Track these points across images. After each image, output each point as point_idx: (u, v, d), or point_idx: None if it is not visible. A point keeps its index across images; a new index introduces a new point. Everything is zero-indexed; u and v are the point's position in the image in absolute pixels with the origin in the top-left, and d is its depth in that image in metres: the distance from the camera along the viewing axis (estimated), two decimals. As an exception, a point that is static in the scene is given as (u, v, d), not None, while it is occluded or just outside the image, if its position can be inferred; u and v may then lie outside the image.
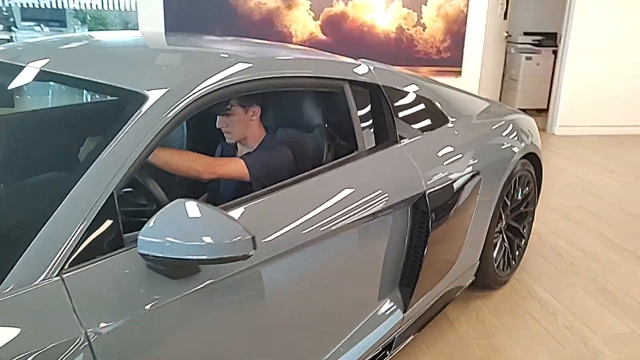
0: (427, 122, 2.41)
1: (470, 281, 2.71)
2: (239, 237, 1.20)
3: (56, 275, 1.17)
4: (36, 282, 1.14)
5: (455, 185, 2.27)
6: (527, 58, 7.89)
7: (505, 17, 6.95)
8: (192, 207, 1.24)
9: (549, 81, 7.95)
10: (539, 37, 8.15)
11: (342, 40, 5.98)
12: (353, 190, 1.85)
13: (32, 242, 1.17)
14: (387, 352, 2.10)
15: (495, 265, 2.83)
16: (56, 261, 1.17)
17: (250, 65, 1.73)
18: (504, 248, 2.91)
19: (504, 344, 2.51)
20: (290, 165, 1.97)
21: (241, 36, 2.83)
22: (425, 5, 6.10)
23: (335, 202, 1.76)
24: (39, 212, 1.23)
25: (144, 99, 1.44)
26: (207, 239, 1.19)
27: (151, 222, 1.22)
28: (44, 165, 1.61)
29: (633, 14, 6.56)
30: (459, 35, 6.27)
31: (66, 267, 1.18)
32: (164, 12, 5.57)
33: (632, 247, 3.59)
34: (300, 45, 5.51)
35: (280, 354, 1.71)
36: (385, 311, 2.11)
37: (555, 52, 8.07)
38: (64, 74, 1.66)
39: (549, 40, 8.21)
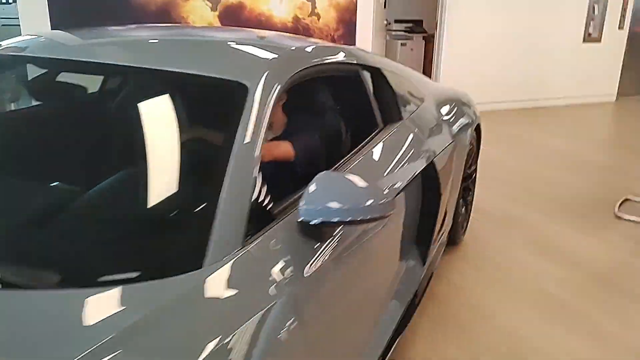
0: (413, 101, 2.61)
1: (445, 243, 2.99)
2: (384, 200, 1.39)
3: (242, 248, 1.23)
4: (230, 255, 1.20)
5: (447, 153, 2.57)
6: (402, 44, 8.49)
7: (385, 6, 7.40)
8: (340, 178, 1.44)
9: (421, 66, 8.66)
10: (410, 24, 8.81)
11: (241, 30, 5.95)
12: (398, 158, 2.08)
13: (215, 221, 1.23)
14: (416, 301, 2.36)
15: (460, 226, 3.20)
16: (240, 236, 1.24)
17: (313, 53, 1.94)
18: (462, 210, 3.24)
19: (478, 301, 2.80)
20: (320, 146, 2.02)
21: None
22: (318, -5, 6.30)
23: (390, 171, 1.95)
24: (203, 196, 1.34)
25: (246, 88, 1.51)
26: (362, 203, 1.34)
27: (308, 193, 1.34)
28: (164, 152, 1.54)
29: None
30: (351, 24, 6.57)
31: (246, 240, 1.25)
32: (49, 5, 5.08)
33: (545, 208, 4.15)
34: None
35: (377, 298, 1.98)
36: (411, 266, 2.38)
37: (425, 38, 8.80)
38: (158, 68, 1.66)
39: (418, 27, 8.92)
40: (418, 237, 2.44)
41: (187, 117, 1.60)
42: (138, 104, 1.67)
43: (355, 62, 2.18)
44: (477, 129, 3.31)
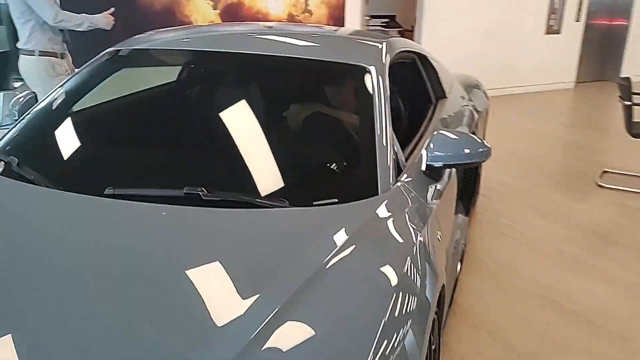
0: (448, 82, 3.15)
1: None
2: (487, 148, 1.91)
3: (395, 181, 1.73)
4: (392, 185, 1.69)
5: (475, 123, 3.13)
6: (380, 38, 8.97)
7: (367, 3, 7.84)
8: (450, 134, 1.94)
9: (398, 58, 9.15)
10: (386, 20, 9.30)
11: (241, 27, 6.27)
12: (456, 125, 2.66)
13: (377, 164, 1.71)
14: (465, 245, 2.93)
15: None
16: (392, 177, 1.73)
17: (395, 42, 2.38)
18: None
19: (503, 257, 3.30)
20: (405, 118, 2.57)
21: (145, 27, 3.05)
22: (309, -8, 6.68)
23: None
24: (369, 154, 1.76)
25: (369, 70, 1.97)
26: (470, 149, 1.86)
27: (431, 145, 1.87)
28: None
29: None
30: (340, 20, 6.98)
31: (396, 179, 1.75)
32: (61, 5, 5.24)
33: (537, 180, 4.71)
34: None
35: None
36: (460, 218, 2.89)
37: (400, 33, 9.30)
38: (293, 56, 2.10)
39: (393, 22, 9.41)
40: (462, 194, 2.97)
41: (338, 93, 2.06)
42: (301, 85, 2.16)
43: (415, 50, 2.68)
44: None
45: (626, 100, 4.27)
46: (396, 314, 1.22)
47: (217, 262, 1.33)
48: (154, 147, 1.95)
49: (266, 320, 1.14)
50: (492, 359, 2.33)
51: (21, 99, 2.24)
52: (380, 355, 1.10)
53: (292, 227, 1.49)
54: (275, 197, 1.60)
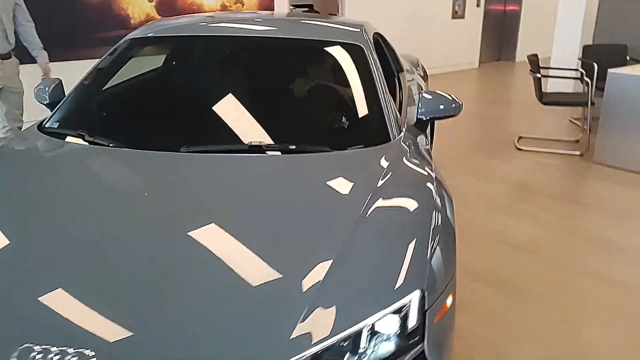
0: (405, 64, 3.69)
1: None
2: (460, 102, 2.40)
3: (400, 133, 2.17)
4: (400, 134, 2.15)
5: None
6: (302, 27, 9.37)
7: (291, -7, 8.20)
8: (433, 93, 2.41)
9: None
10: (305, 9, 9.70)
11: (177, 19, 6.41)
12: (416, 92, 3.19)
13: (387, 119, 2.16)
14: None
15: None
16: (399, 129, 2.18)
17: (369, 25, 2.87)
18: None
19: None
20: None
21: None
22: (239, -16, 6.93)
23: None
24: (379, 112, 2.19)
25: (362, 47, 2.44)
26: (448, 105, 2.36)
27: (420, 103, 2.36)
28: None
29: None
30: (270, 9, 7.29)
31: (400, 131, 2.20)
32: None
33: (464, 148, 5.37)
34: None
35: None
36: None
37: (320, 21, 9.74)
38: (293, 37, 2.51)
39: (312, 10, 9.83)
40: None
41: (340, 67, 2.47)
42: (314, 60, 2.58)
43: (377, 31, 3.17)
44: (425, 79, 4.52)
45: (536, 73, 5.01)
46: (438, 224, 1.67)
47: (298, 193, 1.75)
48: (215, 111, 2.28)
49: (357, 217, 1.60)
50: (469, 289, 2.85)
51: (49, 84, 2.50)
52: (431, 251, 1.54)
53: (343, 162, 1.92)
54: (318, 145, 2.01)
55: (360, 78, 2.34)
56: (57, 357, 1.19)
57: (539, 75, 4.98)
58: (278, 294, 1.35)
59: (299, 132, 2.18)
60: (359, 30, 2.65)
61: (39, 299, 1.31)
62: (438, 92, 2.42)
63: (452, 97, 2.41)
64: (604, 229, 3.55)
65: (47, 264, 1.43)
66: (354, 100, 2.30)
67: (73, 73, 3.69)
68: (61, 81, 2.53)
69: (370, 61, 2.39)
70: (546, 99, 5.04)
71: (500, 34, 11.26)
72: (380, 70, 2.40)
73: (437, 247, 1.58)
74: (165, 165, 1.90)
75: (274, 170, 1.87)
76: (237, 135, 2.10)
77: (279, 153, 1.95)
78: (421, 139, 2.32)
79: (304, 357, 1.24)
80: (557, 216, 3.76)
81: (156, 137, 2.09)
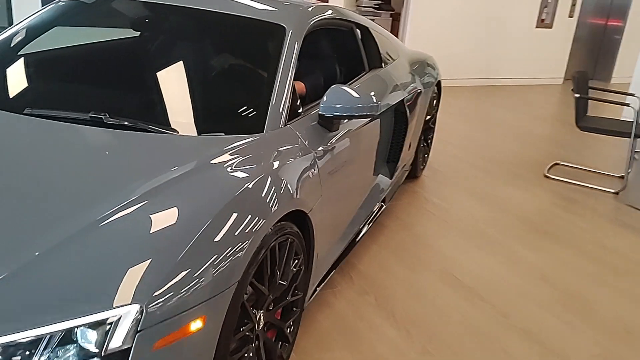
0: (392, 55, 3.32)
1: (408, 170, 3.79)
2: (377, 103, 2.13)
3: (284, 125, 2.00)
4: (280, 128, 1.97)
5: (414, 97, 3.31)
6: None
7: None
8: (346, 88, 2.14)
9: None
10: (379, 2, 9.27)
11: None
12: (378, 91, 2.80)
13: (269, 109, 1.98)
14: (383, 204, 3.24)
15: (420, 160, 4.04)
16: (282, 120, 2.00)
17: (320, 9, 2.56)
18: (423, 145, 4.03)
19: (421, 232, 3.38)
20: (323, 85, 2.65)
21: None
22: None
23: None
24: (264, 97, 2.02)
25: (285, 29, 2.20)
26: (361, 104, 2.08)
27: (325, 97, 2.09)
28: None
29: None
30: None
31: (285, 123, 2.02)
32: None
33: (487, 167, 4.77)
34: None
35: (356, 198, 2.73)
36: (380, 180, 3.12)
37: (392, 16, 9.28)
38: (219, 10, 2.31)
39: (386, 4, 9.38)
40: (389, 158, 3.20)
41: (247, 46, 2.31)
42: (223, 37, 2.40)
43: (350, 19, 2.81)
44: (438, 85, 4.06)
45: (577, 93, 4.31)
46: (204, 238, 1.42)
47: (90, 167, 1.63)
48: (74, 75, 2.19)
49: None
50: (370, 322, 2.43)
51: None
52: (175, 266, 1.32)
53: (167, 148, 1.75)
54: (167, 126, 1.85)
55: (264, 61, 2.17)
56: None
57: (577, 95, 4.27)
58: None
59: (156, 111, 2.04)
60: (298, 11, 2.42)
61: None
62: (355, 88, 2.17)
63: (369, 97, 2.15)
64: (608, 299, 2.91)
65: None
66: (245, 83, 2.15)
67: None
68: None
69: (286, 45, 2.17)
70: (582, 123, 4.32)
71: (596, 51, 10.10)
72: (294, 55, 2.17)
73: (189, 262, 1.35)
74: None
75: (92, 145, 1.76)
76: (84, 105, 1.94)
77: (115, 129, 1.80)
78: (321, 138, 2.10)
79: None
80: (541, 259, 3.16)
81: (4, 94, 2.05)
